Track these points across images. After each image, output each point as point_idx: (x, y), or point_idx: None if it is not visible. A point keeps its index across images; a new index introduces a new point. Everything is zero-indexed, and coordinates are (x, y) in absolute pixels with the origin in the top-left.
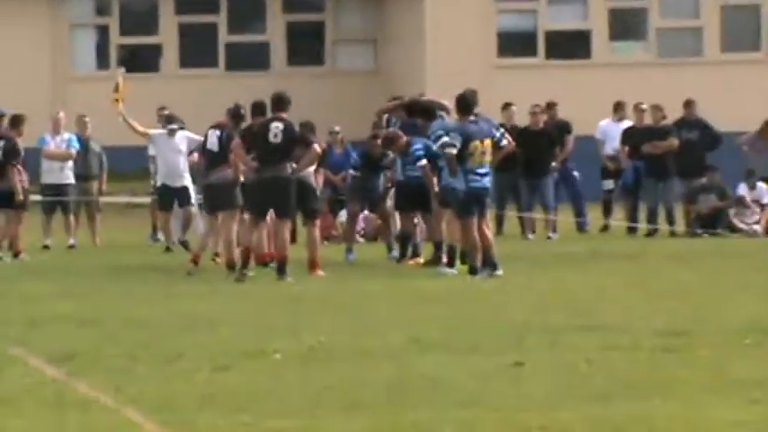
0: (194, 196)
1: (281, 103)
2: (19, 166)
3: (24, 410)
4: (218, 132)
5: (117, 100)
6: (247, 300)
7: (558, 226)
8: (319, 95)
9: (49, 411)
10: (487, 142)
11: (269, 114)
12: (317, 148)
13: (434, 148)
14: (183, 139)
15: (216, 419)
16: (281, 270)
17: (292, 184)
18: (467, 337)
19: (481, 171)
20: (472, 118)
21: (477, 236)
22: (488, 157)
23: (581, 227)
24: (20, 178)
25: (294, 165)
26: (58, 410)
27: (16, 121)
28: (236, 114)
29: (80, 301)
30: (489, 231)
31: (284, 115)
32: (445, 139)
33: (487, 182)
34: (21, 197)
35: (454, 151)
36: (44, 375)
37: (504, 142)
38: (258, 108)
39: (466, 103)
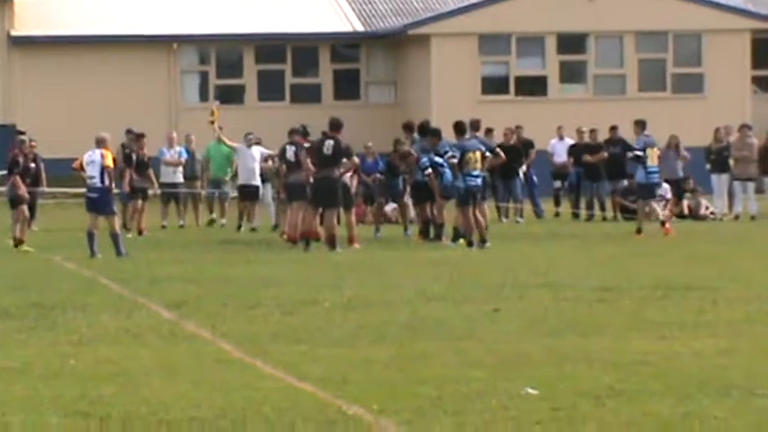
0: (269, 192)
1: (333, 125)
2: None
3: (148, 342)
4: (293, 147)
5: (212, 122)
6: (305, 264)
7: (523, 213)
8: (357, 121)
9: (165, 343)
10: (478, 154)
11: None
12: (355, 159)
13: (443, 159)
14: (257, 151)
15: (283, 348)
16: (331, 245)
17: (339, 183)
18: (460, 291)
19: (474, 173)
20: (467, 136)
21: (472, 219)
22: (479, 165)
23: (538, 214)
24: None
25: (340, 170)
26: (172, 342)
27: (139, 137)
28: (305, 132)
29: (187, 265)
30: (482, 217)
31: (337, 134)
32: (449, 152)
33: (480, 181)
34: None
35: (455, 160)
36: (162, 317)
37: (489, 156)
38: (323, 132)
39: (460, 128)
